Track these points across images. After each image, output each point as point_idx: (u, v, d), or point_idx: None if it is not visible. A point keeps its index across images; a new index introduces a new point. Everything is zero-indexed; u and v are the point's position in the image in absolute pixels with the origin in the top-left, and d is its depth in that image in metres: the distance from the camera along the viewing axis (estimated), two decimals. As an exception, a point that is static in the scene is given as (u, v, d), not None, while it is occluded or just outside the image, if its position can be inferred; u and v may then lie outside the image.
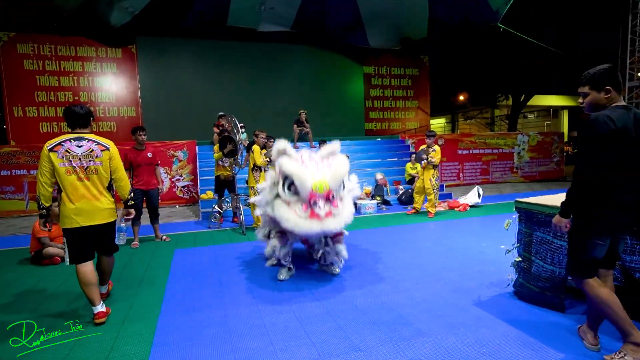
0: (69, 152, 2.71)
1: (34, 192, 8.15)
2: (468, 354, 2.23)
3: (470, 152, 11.57)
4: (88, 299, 2.81)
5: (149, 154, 5.15)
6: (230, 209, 6.66)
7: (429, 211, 6.69)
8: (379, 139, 12.13)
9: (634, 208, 2.02)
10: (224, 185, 6.44)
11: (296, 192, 3.26)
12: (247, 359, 2.26)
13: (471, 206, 7.40)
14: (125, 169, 4.85)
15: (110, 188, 2.94)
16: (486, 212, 6.95)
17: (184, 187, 9.36)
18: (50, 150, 2.68)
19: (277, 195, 3.39)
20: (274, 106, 11.86)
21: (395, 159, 10.64)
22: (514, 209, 2.98)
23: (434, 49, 14.32)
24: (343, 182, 3.47)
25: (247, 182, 6.19)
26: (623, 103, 2.06)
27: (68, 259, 2.80)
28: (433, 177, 6.57)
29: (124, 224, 5.03)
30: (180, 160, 9.32)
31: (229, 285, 3.54)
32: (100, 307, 2.80)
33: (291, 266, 3.68)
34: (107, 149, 2.87)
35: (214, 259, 4.45)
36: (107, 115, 10.82)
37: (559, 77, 18.27)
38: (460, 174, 11.47)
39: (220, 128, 8.05)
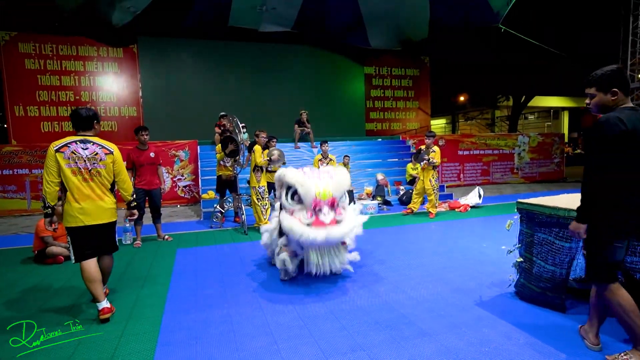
0: (75, 154, 2.79)
1: (35, 191, 8.18)
2: (470, 353, 2.25)
3: (471, 152, 11.59)
4: (92, 295, 2.85)
5: (152, 154, 5.18)
6: (232, 208, 6.69)
7: (429, 212, 6.71)
8: (380, 140, 12.15)
9: None
10: (226, 185, 6.46)
11: (300, 201, 3.28)
12: (252, 358, 2.28)
13: (472, 207, 7.42)
14: (128, 169, 4.91)
15: (112, 189, 3.02)
16: (487, 212, 6.97)
17: (185, 186, 9.38)
18: (57, 150, 2.75)
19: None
20: (275, 106, 11.89)
21: (396, 159, 10.66)
22: (516, 210, 3.00)
23: (434, 50, 14.35)
24: (346, 194, 3.50)
25: (248, 182, 6.21)
26: (630, 105, 2.05)
27: (73, 258, 2.84)
28: (433, 178, 6.59)
29: (128, 224, 5.06)
30: (181, 160, 9.34)
31: (231, 284, 3.56)
32: (105, 303, 2.83)
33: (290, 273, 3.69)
34: (111, 152, 2.96)
35: (216, 258, 4.47)
36: (108, 114, 10.83)
37: (559, 78, 18.30)
38: (461, 175, 11.49)
39: (222, 128, 8.08)
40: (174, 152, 9.25)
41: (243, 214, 5.91)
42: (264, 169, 5.93)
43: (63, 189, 2.83)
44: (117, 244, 3.15)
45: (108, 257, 3.07)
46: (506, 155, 11.95)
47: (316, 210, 3.20)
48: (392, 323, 2.66)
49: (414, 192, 6.97)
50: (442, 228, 5.84)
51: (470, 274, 3.60)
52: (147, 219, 5.34)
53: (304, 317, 2.79)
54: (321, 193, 3.22)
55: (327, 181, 3.35)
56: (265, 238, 3.99)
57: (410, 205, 6.99)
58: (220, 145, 6.21)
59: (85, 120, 2.91)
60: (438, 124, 26.01)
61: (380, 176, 8.69)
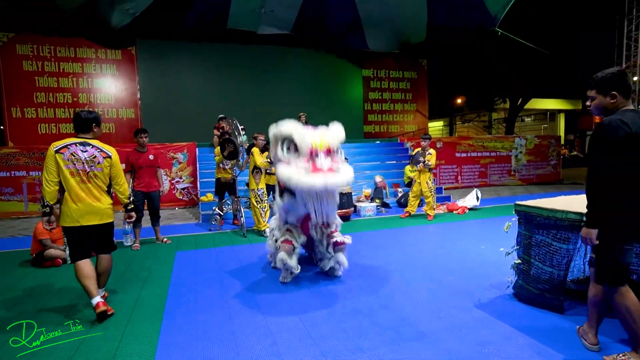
0: (74, 156, 2.83)
1: (33, 193, 8.15)
2: (469, 355, 2.27)
3: (469, 155, 11.64)
4: (86, 291, 2.87)
5: (151, 156, 5.17)
6: (231, 211, 6.69)
7: (428, 214, 6.74)
8: (378, 142, 12.18)
9: None
10: (224, 188, 6.45)
11: (296, 151, 3.24)
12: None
13: (470, 209, 7.45)
14: (127, 171, 4.91)
15: (109, 190, 3.07)
16: (485, 214, 7.00)
17: (183, 189, 9.36)
18: (57, 151, 2.79)
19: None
20: (273, 108, 11.86)
21: (394, 161, 10.68)
22: (514, 212, 3.02)
23: (432, 53, 14.43)
24: (341, 150, 3.49)
25: (247, 184, 6.21)
26: (631, 107, 2.07)
27: (69, 258, 2.86)
28: (429, 180, 6.62)
29: (127, 226, 5.06)
30: (180, 162, 9.32)
31: (231, 286, 3.56)
32: (99, 298, 2.85)
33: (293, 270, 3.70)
34: (109, 156, 3.00)
35: (215, 261, 4.47)
36: (106, 116, 10.81)
37: (556, 80, 18.42)
38: (459, 177, 11.53)
39: (221, 130, 8.08)
40: (172, 154, 9.24)
41: (242, 216, 5.91)
42: (263, 172, 5.93)
43: (61, 189, 2.86)
44: (116, 245, 3.17)
45: (106, 256, 3.09)
46: (503, 157, 12.01)
47: (313, 156, 3.17)
48: (392, 325, 2.67)
49: (410, 195, 6.99)
50: (440, 230, 5.87)
51: (469, 276, 3.62)
52: (146, 221, 5.33)
53: (304, 319, 2.80)
54: (317, 143, 3.21)
55: (323, 132, 3.37)
56: (270, 242, 4.01)
57: (407, 209, 7.01)
58: (219, 148, 6.21)
59: (83, 122, 2.95)
60: (436, 127, 26.09)
61: (378, 178, 8.71)
